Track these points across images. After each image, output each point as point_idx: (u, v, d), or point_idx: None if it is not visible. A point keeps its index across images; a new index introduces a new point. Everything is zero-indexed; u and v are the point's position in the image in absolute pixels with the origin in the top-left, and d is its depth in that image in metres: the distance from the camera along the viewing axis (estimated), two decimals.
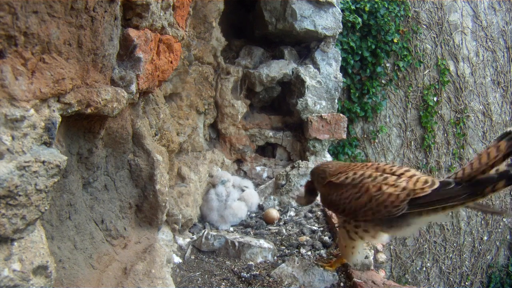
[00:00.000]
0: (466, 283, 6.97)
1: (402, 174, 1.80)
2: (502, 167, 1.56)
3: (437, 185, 1.67)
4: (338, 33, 3.88)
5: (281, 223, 2.98)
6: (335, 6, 3.82)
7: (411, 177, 1.76)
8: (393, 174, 1.81)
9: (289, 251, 2.45)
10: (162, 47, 1.82)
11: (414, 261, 6.75)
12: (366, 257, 2.14)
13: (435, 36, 6.44)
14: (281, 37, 4.01)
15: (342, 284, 2.06)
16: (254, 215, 3.15)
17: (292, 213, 3.16)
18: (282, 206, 3.34)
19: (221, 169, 3.50)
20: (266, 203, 3.33)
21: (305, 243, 2.53)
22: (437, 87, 6.50)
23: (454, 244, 6.88)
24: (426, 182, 1.70)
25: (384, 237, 1.91)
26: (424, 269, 6.78)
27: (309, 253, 2.41)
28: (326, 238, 2.58)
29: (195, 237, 2.62)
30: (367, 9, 5.72)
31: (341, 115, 3.86)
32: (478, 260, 7.00)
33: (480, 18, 6.57)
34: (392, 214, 1.74)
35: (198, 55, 3.02)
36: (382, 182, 1.77)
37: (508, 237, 7.20)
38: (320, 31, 3.78)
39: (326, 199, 2.03)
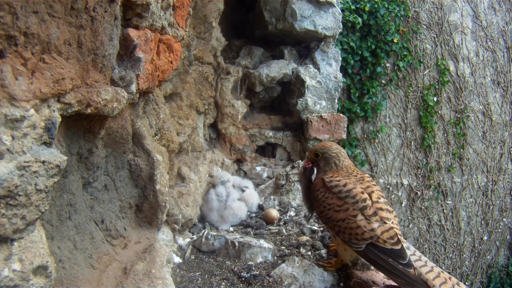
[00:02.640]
0: (466, 283, 6.97)
1: (380, 209, 1.86)
2: None
3: (399, 246, 1.76)
4: (338, 33, 3.88)
5: (281, 223, 2.98)
6: (335, 6, 3.82)
7: (383, 219, 1.82)
8: (373, 204, 1.87)
9: (289, 251, 2.45)
10: (162, 47, 1.82)
11: None
12: None
13: (435, 36, 6.44)
14: (281, 37, 4.01)
15: (342, 284, 2.06)
16: (254, 215, 3.15)
17: (292, 213, 3.16)
18: (282, 206, 3.34)
19: (221, 169, 3.50)
20: (266, 203, 3.33)
21: (305, 243, 2.53)
22: (437, 87, 6.50)
23: (454, 244, 6.89)
24: (392, 238, 1.77)
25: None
26: None
27: (309, 253, 2.41)
28: (327, 238, 2.58)
29: (195, 237, 2.62)
30: (367, 9, 5.72)
31: (341, 115, 3.86)
32: (478, 260, 7.00)
33: (480, 18, 6.57)
34: (352, 243, 1.85)
35: (198, 55, 3.02)
36: (361, 210, 1.85)
37: (508, 237, 7.20)
38: (320, 31, 3.78)
39: (315, 192, 2.10)
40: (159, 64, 1.81)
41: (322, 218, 2.04)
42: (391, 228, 1.80)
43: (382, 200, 1.91)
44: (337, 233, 1.92)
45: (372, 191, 1.93)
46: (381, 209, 1.86)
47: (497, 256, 7.14)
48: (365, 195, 1.89)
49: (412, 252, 1.81)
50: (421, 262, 1.77)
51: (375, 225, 1.80)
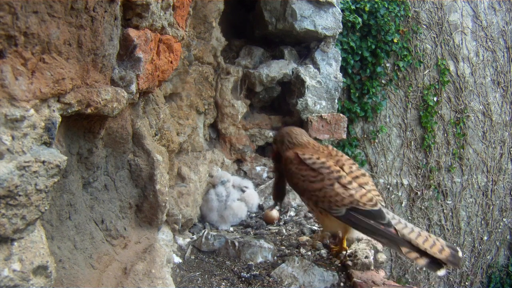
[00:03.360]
0: (466, 283, 6.97)
1: (356, 177, 1.97)
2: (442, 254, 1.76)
3: (377, 207, 1.88)
4: (338, 33, 3.88)
5: (281, 223, 2.98)
6: (335, 6, 3.82)
7: (362, 185, 1.94)
8: (348, 174, 1.99)
9: (289, 251, 2.45)
10: (162, 47, 1.82)
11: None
12: (366, 257, 2.14)
13: (435, 36, 6.44)
14: (281, 37, 4.01)
15: (342, 284, 2.06)
16: (254, 215, 3.15)
17: (292, 213, 3.16)
18: (282, 206, 3.33)
19: (221, 169, 3.50)
20: (266, 203, 3.33)
21: (305, 243, 2.53)
22: (437, 87, 6.50)
23: (454, 244, 6.88)
24: (370, 200, 1.90)
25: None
26: (424, 269, 6.79)
27: (309, 253, 2.41)
28: (326, 237, 2.58)
29: (195, 237, 2.62)
30: (367, 9, 5.72)
31: (341, 115, 3.86)
32: (478, 260, 7.00)
33: (480, 18, 6.57)
34: (332, 210, 1.94)
35: (198, 55, 3.02)
36: (336, 179, 1.95)
37: (508, 237, 7.20)
38: (320, 31, 3.78)
39: (287, 165, 2.17)
40: (159, 64, 1.81)
41: (297, 189, 2.13)
42: (369, 191, 1.92)
43: (354, 168, 2.04)
44: (316, 202, 1.99)
45: (343, 164, 2.05)
46: (356, 177, 1.98)
47: (497, 256, 7.14)
48: (338, 168, 2.00)
49: (392, 217, 1.90)
50: (401, 225, 1.86)
51: (353, 191, 1.91)
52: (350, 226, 1.99)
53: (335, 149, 2.20)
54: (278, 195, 2.51)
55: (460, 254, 1.80)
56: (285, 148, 2.26)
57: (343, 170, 2.00)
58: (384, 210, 1.90)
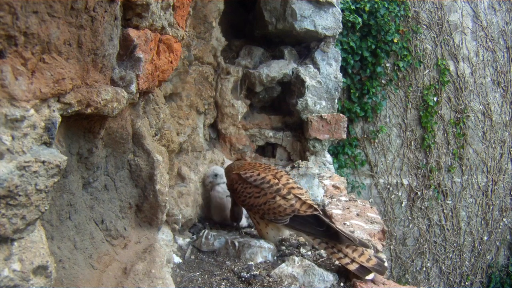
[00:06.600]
0: (466, 283, 6.97)
1: (292, 188, 2.22)
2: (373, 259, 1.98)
3: (317, 212, 2.12)
4: (338, 33, 3.88)
5: None
6: (335, 6, 3.82)
7: (299, 196, 2.18)
8: (285, 186, 2.23)
9: (289, 251, 2.45)
10: (162, 47, 1.82)
11: (414, 261, 6.75)
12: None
13: (435, 36, 6.44)
14: (281, 37, 4.01)
15: (342, 284, 2.06)
16: None
17: None
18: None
19: None
20: None
21: (305, 243, 2.53)
22: (437, 87, 6.50)
23: (454, 244, 6.89)
24: (310, 206, 2.14)
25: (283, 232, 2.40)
26: (424, 269, 6.79)
27: (309, 253, 2.41)
28: None
29: (195, 237, 2.62)
30: (367, 9, 5.72)
31: (341, 115, 3.86)
32: (478, 260, 7.00)
33: (480, 18, 6.58)
34: (277, 220, 2.20)
35: (198, 55, 3.02)
36: (276, 192, 2.20)
37: (508, 237, 7.20)
38: (320, 31, 3.78)
39: (233, 186, 2.45)
40: (159, 64, 1.81)
41: (245, 206, 2.38)
42: (306, 200, 2.16)
43: (291, 181, 2.31)
44: (262, 215, 2.25)
45: (281, 176, 2.31)
46: (292, 188, 2.23)
47: (497, 256, 7.14)
48: (276, 180, 2.26)
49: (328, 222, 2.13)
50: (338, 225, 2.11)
51: (293, 201, 2.16)
52: (295, 231, 2.26)
53: (274, 166, 2.49)
54: (234, 217, 2.79)
55: (386, 264, 1.98)
56: (231, 174, 2.58)
57: (280, 182, 2.24)
58: (321, 216, 2.11)
